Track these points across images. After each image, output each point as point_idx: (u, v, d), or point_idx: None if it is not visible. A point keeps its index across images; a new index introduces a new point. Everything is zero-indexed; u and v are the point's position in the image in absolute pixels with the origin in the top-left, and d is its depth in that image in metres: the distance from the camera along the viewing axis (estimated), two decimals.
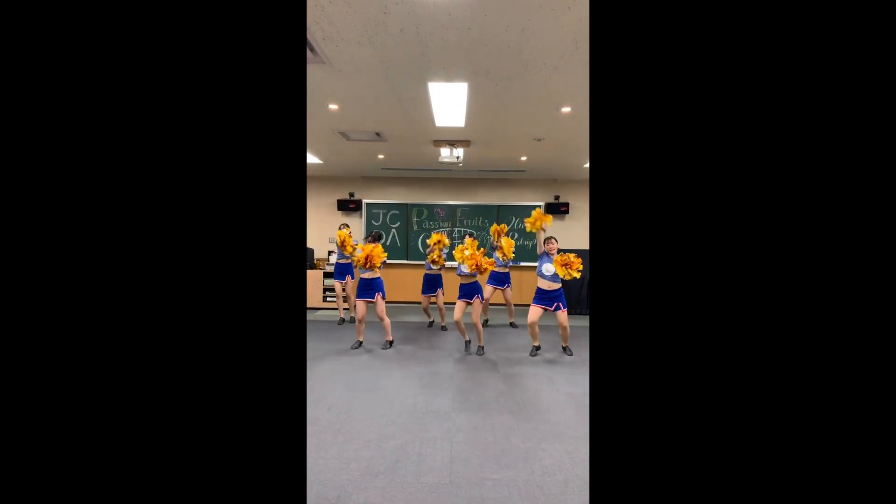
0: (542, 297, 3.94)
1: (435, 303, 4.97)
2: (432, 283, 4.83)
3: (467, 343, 4.18)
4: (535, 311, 3.93)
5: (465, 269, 3.99)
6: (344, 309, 5.49)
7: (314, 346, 4.21)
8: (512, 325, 5.31)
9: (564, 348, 4.14)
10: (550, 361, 3.88)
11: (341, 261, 5.20)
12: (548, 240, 3.95)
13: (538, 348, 4.14)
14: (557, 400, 2.95)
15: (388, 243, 6.97)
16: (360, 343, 4.24)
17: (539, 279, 3.95)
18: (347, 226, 5.27)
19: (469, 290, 4.02)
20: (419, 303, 6.86)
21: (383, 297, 4.09)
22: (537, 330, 4.07)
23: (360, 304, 4.09)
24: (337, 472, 1.98)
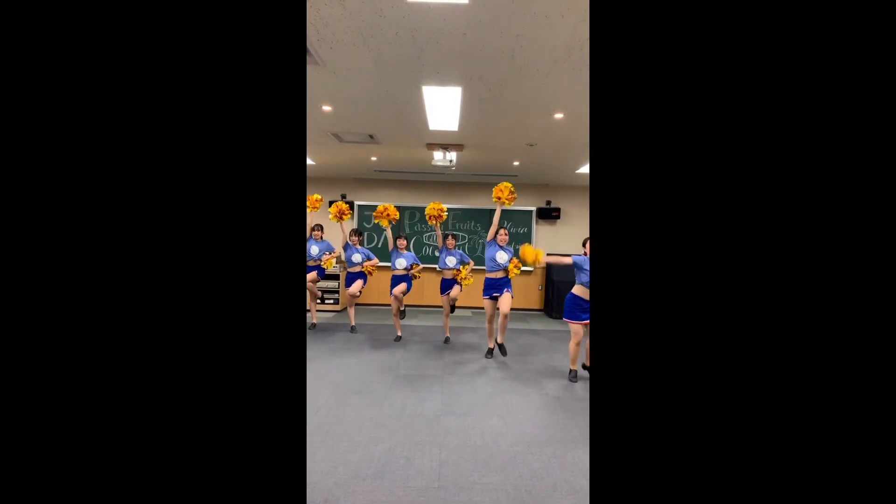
0: (582, 308, 3.38)
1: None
2: (400, 283, 4.60)
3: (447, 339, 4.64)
4: (579, 331, 3.43)
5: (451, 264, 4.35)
6: (317, 311, 5.45)
7: None
8: (501, 348, 4.03)
9: (586, 367, 3.64)
10: (539, 367, 3.89)
11: (310, 262, 5.10)
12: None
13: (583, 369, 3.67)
14: (547, 404, 2.96)
15: (378, 246, 6.95)
16: (353, 328, 5.05)
17: (577, 287, 3.45)
18: (321, 227, 5.15)
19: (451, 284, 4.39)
20: (414, 306, 6.89)
21: (364, 284, 4.98)
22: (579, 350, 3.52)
23: (354, 287, 4.91)
24: (325, 476, 1.96)
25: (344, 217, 4.75)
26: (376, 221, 4.56)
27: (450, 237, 4.42)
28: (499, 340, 4.02)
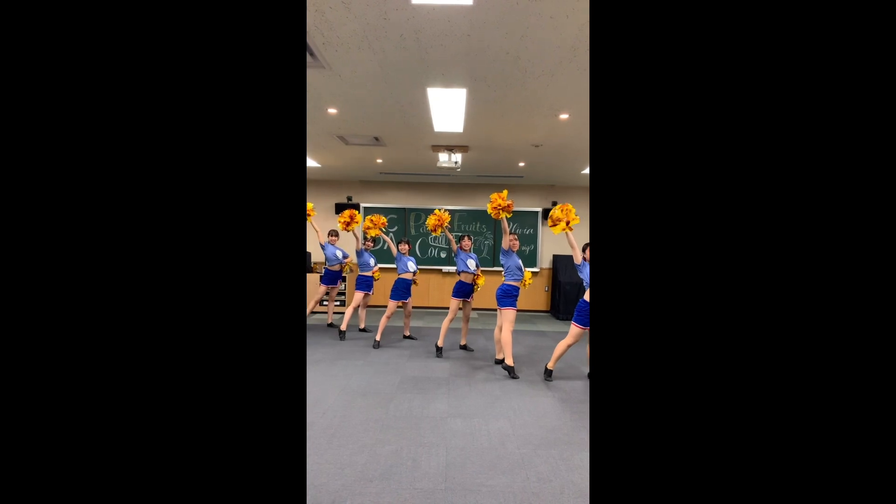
0: (587, 313, 3.25)
1: (402, 308, 4.87)
2: (406, 289, 4.57)
3: (440, 349, 4.23)
4: (579, 335, 3.33)
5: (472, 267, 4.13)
6: (334, 313, 5.55)
7: (309, 350, 4.20)
8: (511, 371, 3.64)
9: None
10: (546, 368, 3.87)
11: (332, 267, 5.22)
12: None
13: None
14: (553, 406, 2.95)
15: (385, 248, 6.97)
16: (365, 329, 5.15)
17: (588, 292, 3.34)
18: (336, 232, 5.25)
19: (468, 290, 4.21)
20: (420, 307, 6.90)
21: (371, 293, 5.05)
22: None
23: (359, 294, 4.93)
24: (331, 478, 1.97)
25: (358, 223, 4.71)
26: (368, 234, 4.59)
27: (465, 238, 4.22)
28: (508, 362, 3.64)
